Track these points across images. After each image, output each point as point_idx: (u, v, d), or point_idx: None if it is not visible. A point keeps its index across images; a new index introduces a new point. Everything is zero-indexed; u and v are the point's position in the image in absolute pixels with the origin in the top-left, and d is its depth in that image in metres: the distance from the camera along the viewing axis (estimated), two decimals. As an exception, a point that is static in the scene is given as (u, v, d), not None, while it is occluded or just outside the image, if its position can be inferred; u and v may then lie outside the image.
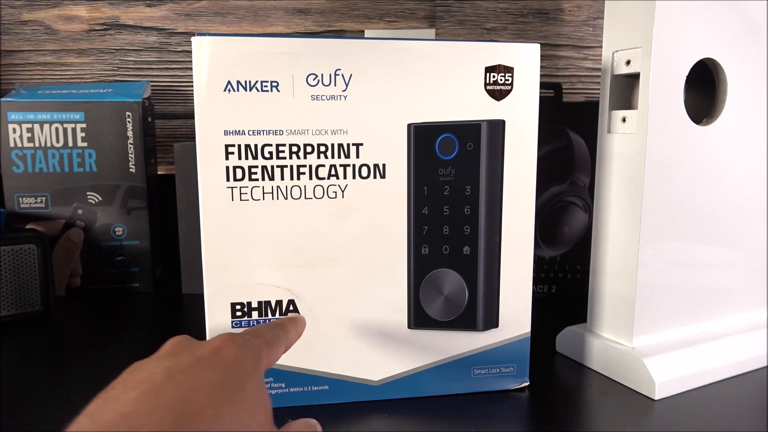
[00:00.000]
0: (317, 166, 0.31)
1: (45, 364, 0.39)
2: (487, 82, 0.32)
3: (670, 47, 0.35)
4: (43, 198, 0.54)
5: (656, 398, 0.34)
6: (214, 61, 0.30)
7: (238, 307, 0.32)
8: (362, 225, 0.32)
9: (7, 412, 0.33)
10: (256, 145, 0.31)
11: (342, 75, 0.31)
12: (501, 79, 0.32)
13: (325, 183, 0.32)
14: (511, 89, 0.32)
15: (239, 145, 0.31)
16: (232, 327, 0.32)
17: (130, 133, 0.54)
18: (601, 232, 0.39)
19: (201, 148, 0.30)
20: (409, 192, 0.33)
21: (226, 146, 0.30)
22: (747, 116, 0.39)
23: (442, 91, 0.32)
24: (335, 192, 0.32)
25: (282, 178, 0.31)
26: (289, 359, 0.33)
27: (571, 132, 0.51)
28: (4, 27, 0.66)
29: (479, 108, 0.32)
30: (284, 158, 0.31)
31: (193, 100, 0.30)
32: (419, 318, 0.34)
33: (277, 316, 0.32)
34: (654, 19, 0.34)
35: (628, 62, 0.36)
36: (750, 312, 0.42)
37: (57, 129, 0.54)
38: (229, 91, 0.30)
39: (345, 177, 0.32)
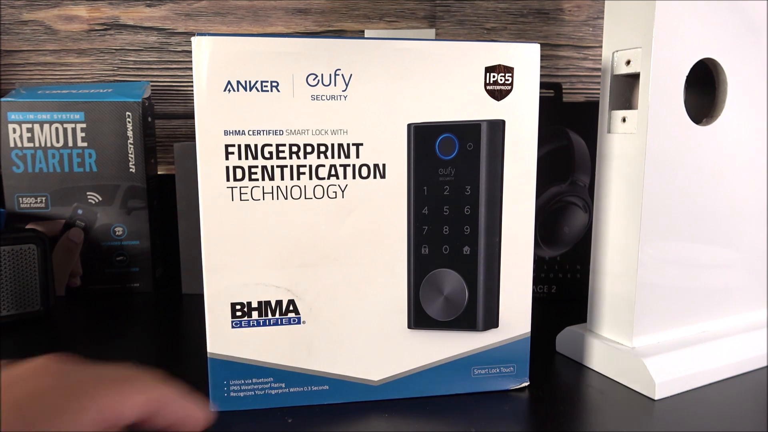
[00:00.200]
0: (317, 166, 0.31)
1: (45, 364, 0.39)
2: (487, 82, 0.32)
3: (670, 47, 0.35)
4: (43, 198, 0.54)
5: (656, 398, 0.34)
6: (214, 61, 0.30)
7: (238, 307, 0.32)
8: (362, 225, 0.32)
9: (7, 412, 0.33)
10: (256, 145, 0.31)
11: (342, 75, 0.31)
12: (501, 79, 0.32)
13: (325, 183, 0.32)
14: (511, 89, 0.32)
15: (239, 145, 0.31)
16: (232, 327, 0.32)
17: (130, 133, 0.54)
18: (601, 232, 0.39)
19: (201, 148, 0.30)
20: (409, 192, 0.33)
21: (226, 146, 0.30)
22: (747, 116, 0.39)
23: (442, 91, 0.32)
24: (335, 192, 0.32)
25: (282, 178, 0.31)
26: (289, 359, 0.33)
27: (571, 132, 0.51)
28: (4, 27, 0.66)
29: (479, 108, 0.32)
30: (284, 158, 0.31)
31: (193, 100, 0.30)
32: (419, 318, 0.34)
33: (277, 316, 0.32)
34: (654, 19, 0.34)
35: (628, 62, 0.36)
36: (750, 312, 0.42)
37: (57, 129, 0.54)
38: (229, 91, 0.30)
39: (345, 177, 0.32)
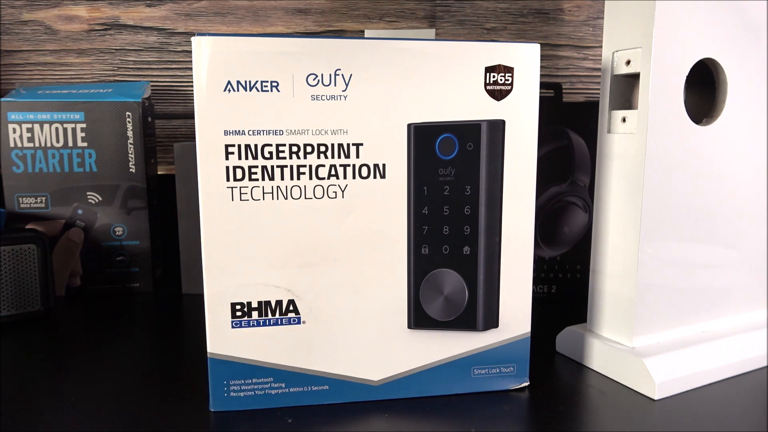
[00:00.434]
0: (317, 166, 0.31)
1: (45, 364, 0.39)
2: (487, 82, 0.32)
3: (670, 47, 0.35)
4: (43, 198, 0.54)
5: (656, 398, 0.34)
6: (214, 61, 0.30)
7: (238, 307, 0.32)
8: (362, 225, 0.32)
9: (7, 412, 0.33)
10: (256, 145, 0.31)
11: (342, 75, 0.31)
12: (501, 79, 0.32)
13: (325, 183, 0.32)
14: (511, 89, 0.33)
15: (239, 145, 0.31)
16: (232, 327, 0.32)
17: (130, 133, 0.54)
18: (601, 232, 0.39)
19: (201, 148, 0.30)
20: (409, 192, 0.33)
21: (226, 146, 0.30)
22: (747, 116, 0.39)
23: (442, 91, 0.32)
24: (335, 192, 0.32)
25: (282, 178, 0.31)
26: (289, 359, 0.33)
27: (571, 132, 0.51)
28: (4, 27, 0.66)
29: (479, 108, 0.32)
30: (284, 158, 0.31)
31: (193, 100, 0.30)
32: (419, 318, 0.34)
33: (277, 316, 0.32)
34: (654, 19, 0.34)
35: (628, 62, 0.36)
36: (750, 312, 0.42)
37: (57, 129, 0.54)
38: (229, 91, 0.30)
39: (345, 177, 0.32)
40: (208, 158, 0.30)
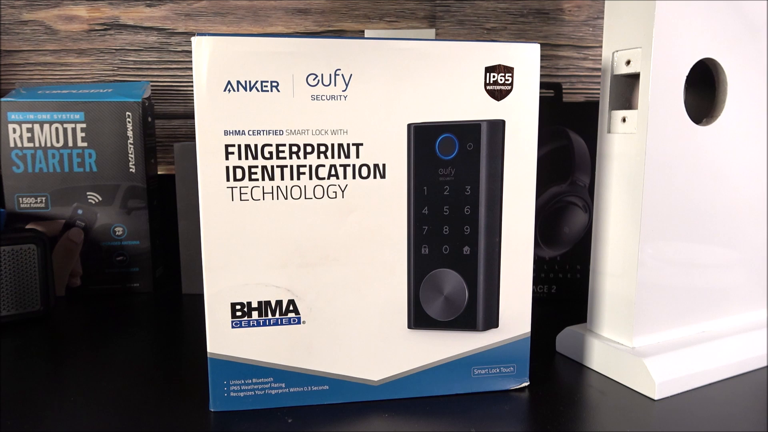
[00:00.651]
0: (317, 166, 0.31)
1: (45, 364, 0.39)
2: (487, 82, 0.32)
3: (670, 47, 0.35)
4: (43, 198, 0.54)
5: (656, 398, 0.34)
6: (214, 61, 0.30)
7: (238, 307, 0.32)
8: (362, 225, 0.32)
9: (7, 412, 0.33)
10: (256, 145, 0.31)
11: (342, 75, 0.31)
12: (501, 79, 0.32)
13: (325, 183, 0.32)
14: (511, 89, 0.33)
15: (239, 145, 0.31)
16: (232, 327, 0.32)
17: (130, 133, 0.54)
18: (601, 232, 0.39)
19: (201, 148, 0.30)
20: (409, 192, 0.33)
21: (226, 146, 0.31)
22: (747, 116, 0.39)
23: (442, 91, 0.32)
24: (335, 192, 0.32)
25: (282, 178, 0.31)
26: (289, 359, 0.33)
27: (571, 132, 0.51)
28: (4, 27, 0.67)
29: (479, 108, 0.32)
30: (284, 158, 0.31)
31: (193, 100, 0.30)
32: (419, 318, 0.34)
33: (277, 316, 0.32)
34: (654, 19, 0.34)
35: (628, 62, 0.36)
36: (750, 312, 0.42)
37: (57, 129, 0.54)
38: (229, 91, 0.30)
39: (345, 177, 0.32)
40: (208, 158, 0.30)
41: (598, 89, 0.69)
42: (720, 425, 0.31)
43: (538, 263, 0.53)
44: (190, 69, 0.69)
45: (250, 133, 0.31)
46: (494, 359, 0.35)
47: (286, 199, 0.31)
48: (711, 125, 0.38)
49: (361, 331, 0.33)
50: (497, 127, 0.33)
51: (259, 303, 0.32)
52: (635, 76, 0.36)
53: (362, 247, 0.32)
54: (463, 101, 0.32)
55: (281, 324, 0.32)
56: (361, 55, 0.31)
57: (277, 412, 0.33)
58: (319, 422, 0.32)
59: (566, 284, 0.53)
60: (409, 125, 0.32)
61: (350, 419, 0.32)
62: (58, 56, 0.68)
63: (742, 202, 0.40)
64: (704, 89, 0.39)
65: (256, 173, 0.31)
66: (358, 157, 0.32)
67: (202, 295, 0.55)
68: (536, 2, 0.70)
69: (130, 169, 0.55)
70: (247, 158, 0.31)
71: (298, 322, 0.32)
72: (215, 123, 0.30)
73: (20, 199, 0.54)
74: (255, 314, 0.32)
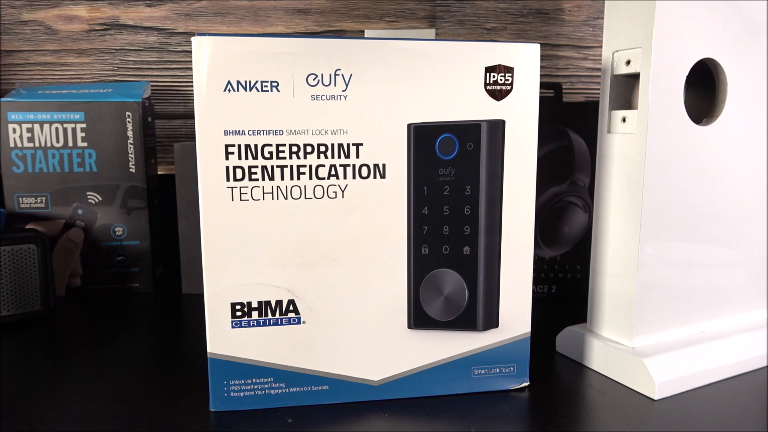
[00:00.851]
0: (317, 166, 0.31)
1: (45, 364, 0.39)
2: (487, 82, 0.32)
3: (670, 47, 0.35)
4: (43, 198, 0.54)
5: (656, 398, 0.34)
6: (214, 61, 0.30)
7: (238, 307, 0.32)
8: (362, 225, 0.32)
9: (7, 412, 0.33)
10: (256, 145, 0.31)
11: (342, 75, 0.31)
12: (501, 79, 0.32)
13: (325, 183, 0.32)
14: (511, 89, 0.33)
15: (239, 145, 0.31)
16: (232, 327, 0.32)
17: (130, 133, 0.54)
18: (601, 232, 0.39)
19: (201, 148, 0.30)
20: (409, 192, 0.33)
21: (226, 146, 0.30)
22: (747, 116, 0.39)
23: (442, 91, 0.32)
24: (335, 192, 0.32)
25: (282, 178, 0.31)
26: (289, 359, 0.33)
27: (571, 132, 0.51)
28: (4, 27, 0.67)
29: (479, 108, 0.32)
30: (284, 158, 0.31)
31: (193, 100, 0.30)
32: (419, 318, 0.34)
33: (277, 316, 0.32)
34: (654, 19, 0.34)
35: (628, 62, 0.36)
36: (750, 312, 0.42)
37: (57, 129, 0.54)
38: (229, 91, 0.30)
39: (345, 177, 0.32)
40: (208, 158, 0.30)
41: (598, 89, 0.69)
42: (720, 425, 0.31)
43: (538, 263, 0.53)
44: (190, 69, 0.69)
45: (250, 133, 0.31)
46: (494, 359, 0.35)
47: (286, 199, 0.31)
48: (711, 125, 0.38)
49: (361, 331, 0.33)
50: (497, 127, 0.33)
51: (259, 303, 0.32)
52: (635, 76, 0.36)
53: (362, 247, 0.32)
54: (463, 101, 0.32)
55: (281, 324, 0.32)
56: (361, 55, 0.31)
57: (277, 412, 0.33)
58: (319, 422, 0.32)
59: (566, 284, 0.53)
60: (409, 125, 0.32)
61: (350, 419, 0.32)
62: (58, 56, 0.68)
63: (742, 202, 0.40)
64: (704, 89, 0.39)
65: (256, 173, 0.31)
66: (358, 157, 0.32)
67: (202, 295, 0.55)
68: (536, 2, 0.70)
69: (130, 169, 0.55)
70: (247, 158, 0.31)
71: (298, 322, 0.32)
72: (215, 123, 0.30)
73: (20, 199, 0.54)
74: (255, 314, 0.32)
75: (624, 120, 0.36)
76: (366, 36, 0.63)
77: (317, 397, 0.33)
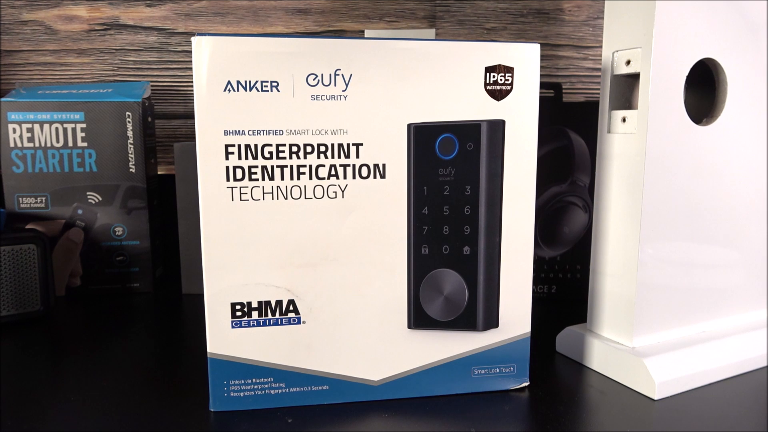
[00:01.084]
0: (317, 166, 0.31)
1: (45, 364, 0.39)
2: (487, 82, 0.32)
3: (670, 47, 0.35)
4: (43, 198, 0.54)
5: (656, 398, 0.34)
6: (214, 61, 0.30)
7: (238, 307, 0.32)
8: (362, 225, 0.32)
9: (7, 412, 0.33)
10: (256, 145, 0.31)
11: (342, 75, 0.31)
12: (501, 79, 0.32)
13: (325, 183, 0.32)
14: (511, 89, 0.33)
15: (239, 145, 0.31)
16: (232, 327, 0.32)
17: (130, 133, 0.54)
18: (601, 232, 0.39)
19: (201, 148, 0.30)
20: (409, 192, 0.33)
21: (226, 146, 0.30)
22: (747, 116, 0.39)
23: (442, 91, 0.32)
24: (335, 192, 0.32)
25: (282, 178, 0.31)
26: (289, 359, 0.33)
27: (571, 132, 0.51)
28: (4, 27, 0.67)
29: (479, 108, 0.32)
30: (284, 158, 0.31)
31: (193, 100, 0.30)
32: (419, 318, 0.34)
33: (277, 316, 0.32)
34: (654, 19, 0.34)
35: (628, 62, 0.36)
36: (750, 312, 0.42)
37: (57, 129, 0.54)
38: (229, 91, 0.30)
39: (345, 177, 0.32)
40: (208, 158, 0.30)
41: (598, 89, 0.69)
42: (720, 425, 0.31)
43: (538, 263, 0.53)
44: (190, 69, 0.69)
45: (250, 133, 0.31)
46: (494, 359, 0.35)
47: (286, 199, 0.31)
48: (711, 125, 0.38)
49: (361, 331, 0.33)
50: (497, 127, 0.33)
51: (259, 303, 0.32)
52: (635, 76, 0.36)
53: (362, 247, 0.32)
54: (463, 101, 0.32)
55: (281, 324, 0.32)
56: (361, 55, 0.31)
57: (277, 412, 0.33)
58: (319, 422, 0.32)
59: (566, 284, 0.53)
60: (409, 125, 0.32)
61: (350, 419, 0.32)
62: (58, 56, 0.68)
63: (742, 202, 0.40)
64: (704, 89, 0.39)
65: (256, 173, 0.31)
66: (358, 157, 0.32)
67: (202, 295, 0.55)
68: (536, 2, 0.70)
69: (130, 169, 0.55)
70: (247, 158, 0.31)
71: (298, 322, 0.32)
72: (215, 123, 0.30)
73: (20, 199, 0.54)
74: (255, 314, 0.32)
75: (624, 120, 0.36)
76: (366, 36, 0.63)
77: (317, 397, 0.33)
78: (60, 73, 0.68)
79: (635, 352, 0.36)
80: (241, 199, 0.31)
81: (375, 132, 0.32)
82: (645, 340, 0.37)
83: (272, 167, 0.31)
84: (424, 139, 0.32)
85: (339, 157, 0.32)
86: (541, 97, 0.33)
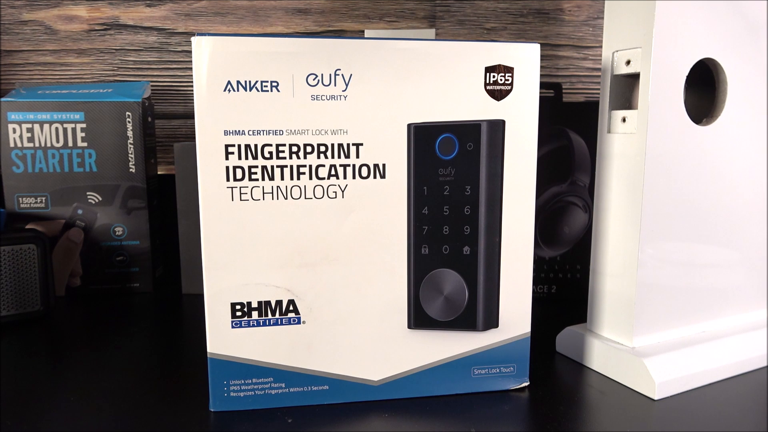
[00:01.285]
0: (317, 166, 0.31)
1: (45, 364, 0.39)
2: (487, 82, 0.32)
3: (670, 47, 0.35)
4: (43, 198, 0.54)
5: (656, 398, 0.34)
6: (214, 61, 0.30)
7: (238, 307, 0.32)
8: (362, 225, 0.32)
9: (7, 412, 0.33)
10: (256, 145, 0.31)
11: (342, 75, 0.31)
12: (501, 79, 0.32)
13: (325, 183, 0.32)
14: (511, 89, 0.33)
15: (239, 145, 0.31)
16: (232, 327, 0.32)
17: (130, 133, 0.54)
18: (601, 232, 0.39)
19: (201, 148, 0.30)
20: (409, 192, 0.33)
21: (226, 146, 0.30)
22: (747, 116, 0.39)
23: (442, 91, 0.32)
24: (335, 192, 0.32)
25: (282, 178, 0.31)
26: (289, 359, 0.33)
27: (571, 132, 0.51)
28: (4, 27, 0.67)
29: (479, 108, 0.32)
30: (284, 158, 0.31)
31: (193, 100, 0.30)
32: (419, 318, 0.34)
33: (277, 316, 0.32)
34: (654, 19, 0.34)
35: (628, 62, 0.36)
36: (750, 312, 0.42)
37: (57, 129, 0.54)
38: (229, 91, 0.30)
39: (345, 177, 0.32)
40: (208, 158, 0.30)
41: (598, 89, 0.69)
42: (720, 425, 0.31)
43: (538, 263, 0.53)
44: (190, 69, 0.69)
45: (250, 133, 0.31)
46: (494, 359, 0.35)
47: (286, 199, 0.31)
48: (711, 125, 0.38)
49: (361, 331, 0.33)
50: (497, 127, 0.33)
51: (259, 303, 0.32)
52: (635, 76, 0.36)
53: (362, 247, 0.32)
54: (463, 101, 0.32)
55: (281, 324, 0.32)
56: (361, 55, 0.31)
57: (277, 412, 0.33)
58: (319, 422, 0.32)
59: (566, 284, 0.53)
60: (409, 125, 0.32)
61: (350, 419, 0.32)
62: (58, 56, 0.68)
63: (742, 202, 0.40)
64: (704, 89, 0.39)
65: (256, 173, 0.31)
66: (358, 157, 0.32)
67: (202, 295, 0.55)
68: (536, 2, 0.70)
69: (130, 169, 0.55)
70: (247, 158, 0.31)
71: (298, 322, 0.32)
72: (215, 123, 0.30)
73: (20, 199, 0.54)
74: (255, 314, 0.32)
75: (624, 120, 0.36)
76: (366, 36, 0.63)
77: (317, 397, 0.33)
78: (60, 73, 0.68)
79: (635, 352, 0.36)
80: (241, 199, 0.31)
81: (375, 132, 0.32)
82: (645, 340, 0.37)
83: (272, 167, 0.31)
84: (424, 139, 0.32)
85: (339, 157, 0.32)
86: (541, 97, 0.33)
